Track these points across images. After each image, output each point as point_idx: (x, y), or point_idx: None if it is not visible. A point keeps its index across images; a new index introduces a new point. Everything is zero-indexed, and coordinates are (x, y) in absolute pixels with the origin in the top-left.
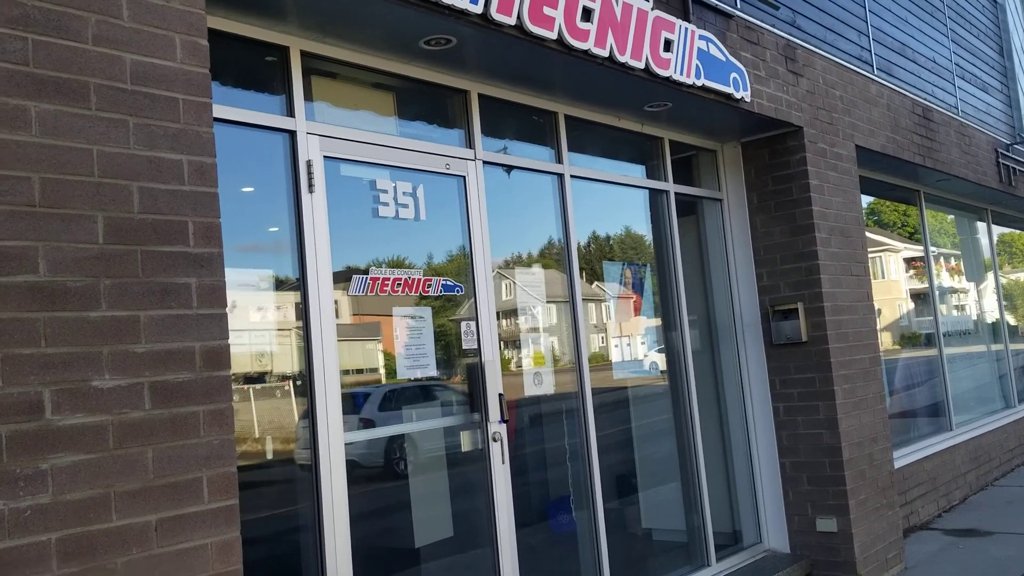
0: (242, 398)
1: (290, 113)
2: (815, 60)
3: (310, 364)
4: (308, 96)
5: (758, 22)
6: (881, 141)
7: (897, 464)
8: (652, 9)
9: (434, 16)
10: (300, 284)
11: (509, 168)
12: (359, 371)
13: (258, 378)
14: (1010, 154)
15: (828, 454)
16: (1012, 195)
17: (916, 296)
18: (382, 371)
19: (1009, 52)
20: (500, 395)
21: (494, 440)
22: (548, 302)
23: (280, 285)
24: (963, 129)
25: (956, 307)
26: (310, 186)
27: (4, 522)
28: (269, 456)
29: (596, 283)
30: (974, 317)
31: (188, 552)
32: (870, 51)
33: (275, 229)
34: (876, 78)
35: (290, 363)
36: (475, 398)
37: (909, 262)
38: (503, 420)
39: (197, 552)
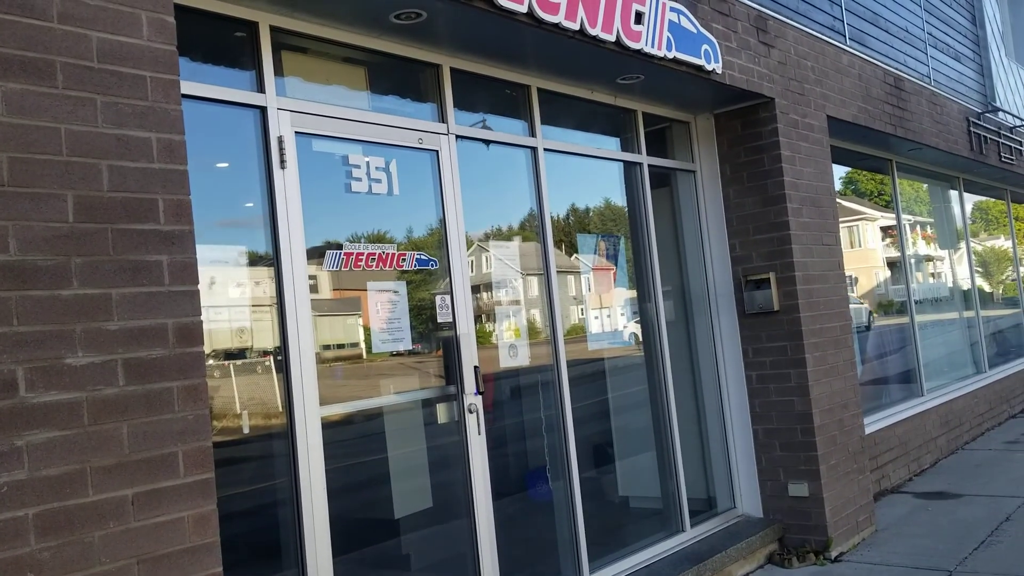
0: (222, 374)
1: (260, 89)
2: (787, 31)
3: (285, 338)
4: (278, 71)
5: None
6: (852, 111)
7: (869, 429)
8: None
9: None
10: (274, 260)
11: (482, 142)
12: (340, 346)
13: (238, 354)
14: (981, 122)
15: (800, 420)
16: (983, 163)
17: (892, 264)
18: (363, 346)
19: (982, 21)
20: (475, 367)
21: (470, 412)
22: (523, 275)
23: (255, 261)
24: (934, 98)
25: (931, 275)
26: (282, 162)
27: None
28: (246, 431)
29: (572, 256)
30: (948, 284)
31: (165, 525)
32: (843, 21)
33: (250, 205)
34: (848, 48)
35: (269, 338)
36: (451, 370)
37: (885, 231)
38: (479, 392)
39: (174, 525)
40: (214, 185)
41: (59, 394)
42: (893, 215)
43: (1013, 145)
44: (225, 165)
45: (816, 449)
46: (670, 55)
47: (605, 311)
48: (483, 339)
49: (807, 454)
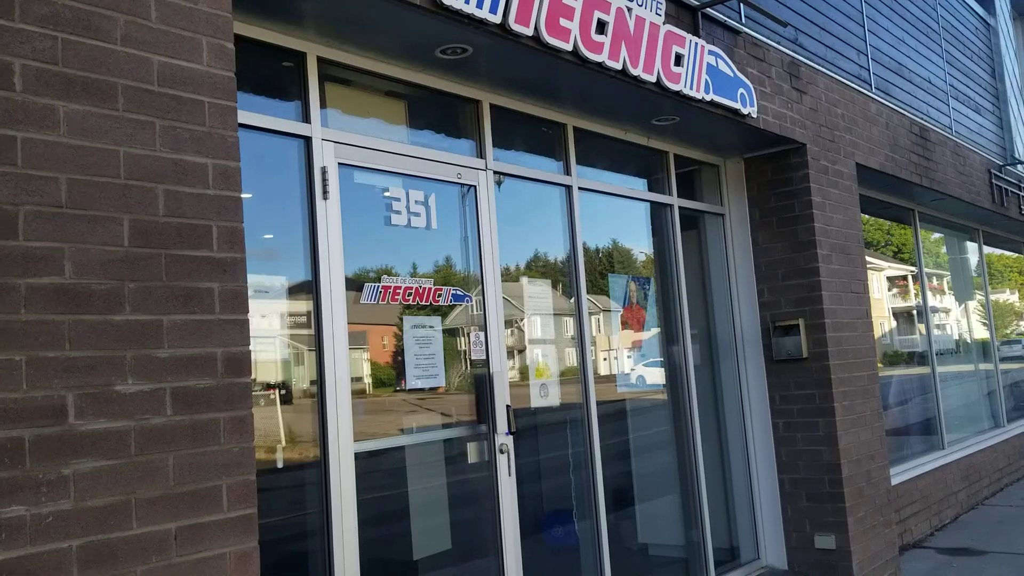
0: (267, 403)
1: (306, 119)
2: (818, 78)
3: (321, 370)
4: (323, 102)
5: (764, 39)
6: (880, 159)
7: (892, 482)
8: (664, 23)
9: (453, 25)
10: (313, 290)
11: (513, 178)
12: (373, 380)
13: (278, 386)
14: (1003, 175)
15: (827, 471)
16: (1004, 216)
17: (898, 315)
18: (367, 380)
19: (1001, 74)
20: (508, 406)
21: (501, 452)
22: (553, 314)
23: (293, 291)
24: (958, 149)
25: (937, 326)
26: (324, 193)
27: (26, 528)
28: (280, 466)
29: (601, 296)
30: (959, 336)
31: (207, 561)
32: (868, 70)
33: (287, 235)
34: (875, 96)
35: (304, 370)
36: (482, 409)
37: (893, 281)
38: (510, 432)
39: (216, 562)
40: (256, 213)
41: (108, 422)
42: (900, 265)
43: None
44: (266, 194)
45: (844, 500)
46: (708, 97)
47: (634, 353)
48: (513, 377)
49: (835, 505)
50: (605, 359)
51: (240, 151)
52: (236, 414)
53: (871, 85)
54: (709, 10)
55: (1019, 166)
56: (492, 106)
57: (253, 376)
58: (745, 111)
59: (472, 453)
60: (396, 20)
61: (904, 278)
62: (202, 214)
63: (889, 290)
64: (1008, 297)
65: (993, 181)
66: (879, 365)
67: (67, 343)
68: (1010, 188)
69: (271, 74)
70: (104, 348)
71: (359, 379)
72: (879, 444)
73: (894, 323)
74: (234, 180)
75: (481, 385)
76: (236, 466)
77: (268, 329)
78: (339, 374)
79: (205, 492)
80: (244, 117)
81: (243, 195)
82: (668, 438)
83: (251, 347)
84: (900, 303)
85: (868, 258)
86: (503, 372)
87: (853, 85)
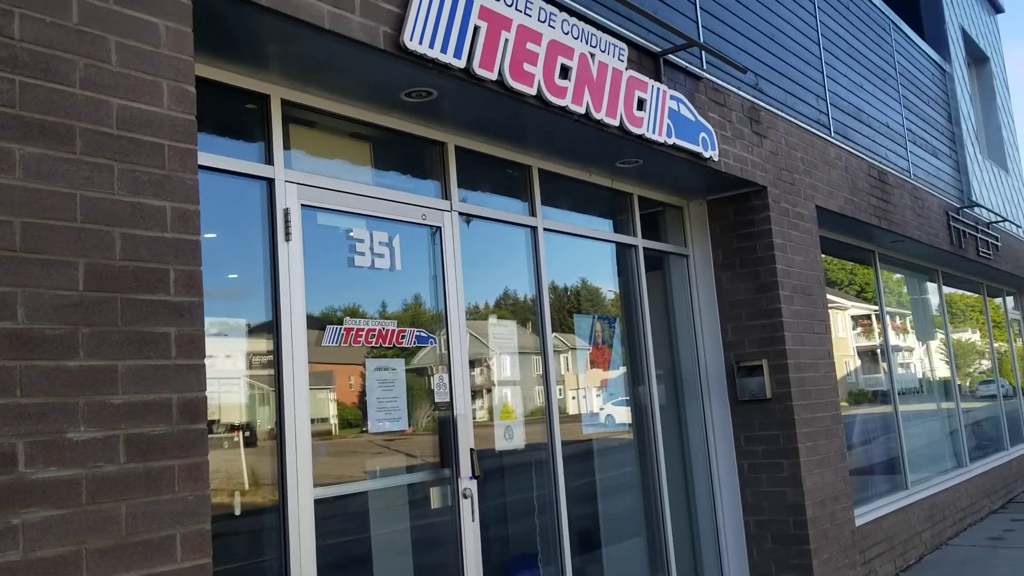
0: (230, 445)
1: (269, 161)
2: (778, 122)
3: (281, 415)
4: (287, 144)
5: (725, 84)
6: (840, 202)
7: (856, 522)
8: (626, 69)
9: (418, 69)
10: (274, 333)
11: (484, 220)
12: (335, 422)
13: (242, 427)
14: (960, 217)
15: (792, 512)
16: (962, 257)
17: (863, 354)
18: (333, 421)
19: (957, 119)
20: (472, 450)
21: (464, 497)
22: (520, 353)
23: (255, 332)
24: (916, 192)
25: (901, 365)
26: (287, 234)
27: None
28: (238, 512)
29: (569, 335)
30: (922, 375)
31: None
32: (828, 115)
33: (248, 277)
34: (834, 141)
35: (268, 412)
36: (446, 452)
37: (857, 320)
38: (474, 476)
39: None
40: (216, 255)
41: (59, 470)
42: (864, 305)
43: (990, 240)
44: (227, 235)
45: (809, 542)
46: (669, 141)
47: (601, 393)
48: (482, 417)
49: (799, 547)
50: (574, 398)
51: (202, 193)
52: (191, 461)
53: (830, 129)
54: (671, 56)
55: (976, 208)
56: (457, 148)
57: (217, 418)
58: (707, 155)
59: (435, 498)
60: (361, 63)
61: (868, 317)
62: (159, 258)
63: (853, 329)
64: (970, 336)
65: (951, 223)
66: (844, 404)
67: (18, 389)
68: (967, 230)
69: (234, 116)
70: (56, 394)
71: (325, 420)
72: (843, 485)
73: (858, 362)
74: (193, 223)
75: (445, 428)
76: (190, 515)
77: (232, 370)
78: (299, 419)
79: (158, 542)
80: (206, 159)
81: (206, 236)
82: (634, 479)
83: (212, 390)
84: (864, 342)
85: (832, 297)
86: (467, 415)
87: (812, 129)
